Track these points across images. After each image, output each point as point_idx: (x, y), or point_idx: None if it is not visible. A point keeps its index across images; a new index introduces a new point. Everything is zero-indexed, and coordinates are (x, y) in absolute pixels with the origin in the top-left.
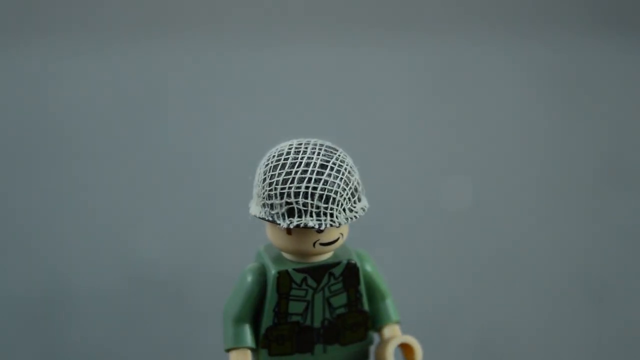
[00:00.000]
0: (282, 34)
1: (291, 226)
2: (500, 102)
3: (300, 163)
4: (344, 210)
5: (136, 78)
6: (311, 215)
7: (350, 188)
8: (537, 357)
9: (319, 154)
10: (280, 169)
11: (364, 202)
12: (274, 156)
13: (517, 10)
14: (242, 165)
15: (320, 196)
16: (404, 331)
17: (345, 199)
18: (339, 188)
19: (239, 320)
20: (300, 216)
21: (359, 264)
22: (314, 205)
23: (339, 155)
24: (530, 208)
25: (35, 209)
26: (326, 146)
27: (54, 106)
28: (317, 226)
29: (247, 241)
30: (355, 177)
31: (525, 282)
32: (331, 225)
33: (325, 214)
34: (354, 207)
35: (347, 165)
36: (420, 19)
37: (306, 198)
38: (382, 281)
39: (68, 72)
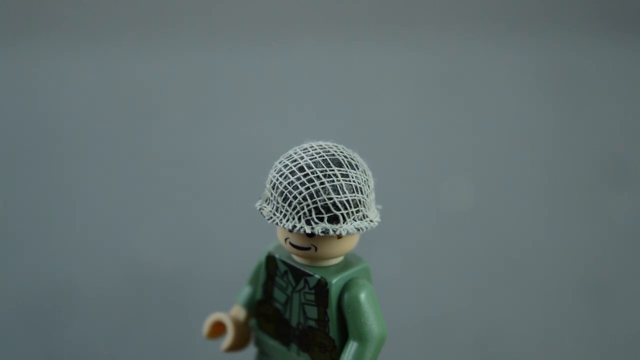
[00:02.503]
0: (282, 34)
1: (257, 208)
2: (501, 102)
3: (298, 164)
4: (314, 220)
5: (136, 78)
6: (283, 214)
7: (336, 203)
8: (537, 357)
9: (316, 163)
10: (282, 168)
11: (360, 224)
12: (284, 155)
13: (518, 10)
14: (242, 165)
15: (299, 198)
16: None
17: (312, 209)
18: (316, 197)
19: (248, 284)
20: (276, 210)
21: (330, 287)
22: (290, 204)
23: (340, 170)
24: (531, 209)
25: (36, 209)
26: (333, 156)
27: (53, 107)
28: (268, 219)
29: (247, 242)
30: (352, 196)
31: (525, 282)
32: (282, 225)
33: (294, 217)
34: (336, 223)
35: (339, 180)
36: (420, 19)
37: (281, 196)
38: (370, 322)
39: (68, 72)
